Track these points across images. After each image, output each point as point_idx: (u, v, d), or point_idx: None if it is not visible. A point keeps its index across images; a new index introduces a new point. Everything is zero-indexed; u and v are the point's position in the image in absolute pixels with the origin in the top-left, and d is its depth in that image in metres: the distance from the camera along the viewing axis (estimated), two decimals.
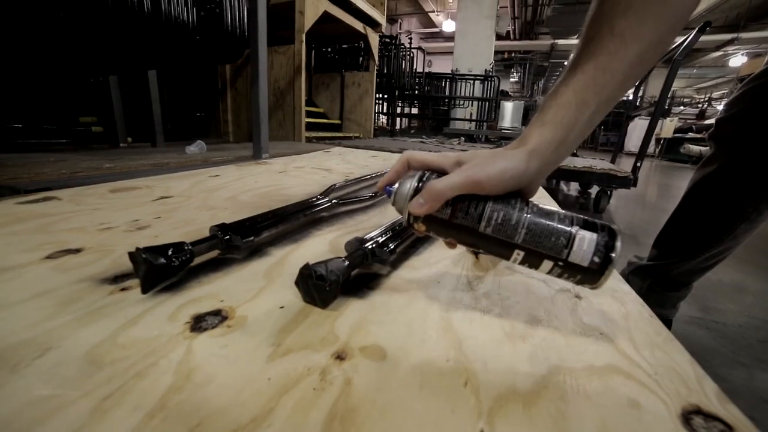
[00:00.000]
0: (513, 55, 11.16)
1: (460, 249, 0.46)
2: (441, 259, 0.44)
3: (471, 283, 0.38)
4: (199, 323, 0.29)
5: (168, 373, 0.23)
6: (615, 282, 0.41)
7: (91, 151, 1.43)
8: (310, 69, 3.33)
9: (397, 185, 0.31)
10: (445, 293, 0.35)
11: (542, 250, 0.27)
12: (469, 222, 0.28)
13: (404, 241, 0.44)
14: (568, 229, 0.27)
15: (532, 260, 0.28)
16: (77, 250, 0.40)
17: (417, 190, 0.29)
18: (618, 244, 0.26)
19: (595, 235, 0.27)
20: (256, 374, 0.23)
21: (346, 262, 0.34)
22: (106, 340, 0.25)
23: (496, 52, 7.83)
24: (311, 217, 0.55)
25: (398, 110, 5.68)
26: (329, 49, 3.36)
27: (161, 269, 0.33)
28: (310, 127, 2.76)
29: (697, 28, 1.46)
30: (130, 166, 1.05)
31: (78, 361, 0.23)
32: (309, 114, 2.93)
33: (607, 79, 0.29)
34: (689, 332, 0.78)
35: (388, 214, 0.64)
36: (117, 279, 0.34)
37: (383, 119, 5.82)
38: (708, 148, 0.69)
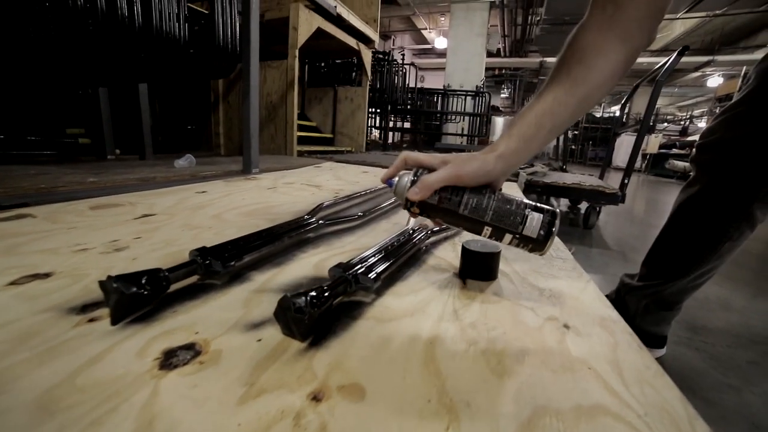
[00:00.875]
0: (503, 71, 11.41)
1: (447, 275, 0.45)
2: (427, 285, 0.43)
3: (457, 311, 0.37)
4: (169, 359, 0.27)
5: (128, 419, 0.21)
6: (604, 309, 0.40)
7: (77, 163, 1.41)
8: (303, 83, 3.36)
9: (397, 179, 0.40)
10: (430, 323, 0.34)
11: (504, 226, 0.36)
12: (452, 206, 0.37)
13: (391, 266, 0.43)
14: (523, 211, 0.36)
15: (498, 234, 0.37)
16: (46, 275, 0.39)
17: (413, 183, 0.38)
18: (557, 222, 0.36)
19: (541, 215, 0.36)
20: (226, 420, 0.22)
21: (328, 292, 0.33)
22: (65, 381, 0.24)
23: (487, 69, 8.01)
24: (296, 239, 0.54)
25: (391, 124, 5.74)
26: (323, 64, 3.39)
27: (133, 299, 0.32)
28: (302, 140, 2.76)
29: (676, 52, 1.51)
30: (115, 180, 1.03)
31: (28, 408, 0.21)
32: (302, 128, 2.94)
33: (561, 109, 0.38)
34: (679, 353, 0.77)
35: (375, 234, 0.63)
36: (86, 308, 0.33)
37: (376, 133, 5.87)
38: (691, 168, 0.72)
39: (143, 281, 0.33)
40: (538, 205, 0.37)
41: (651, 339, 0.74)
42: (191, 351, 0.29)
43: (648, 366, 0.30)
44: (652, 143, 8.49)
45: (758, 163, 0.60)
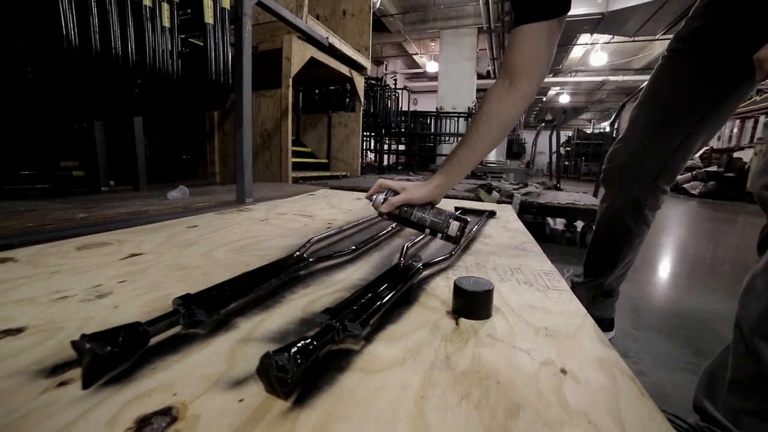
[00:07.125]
0: None
1: (439, 314, 0.44)
2: (419, 326, 0.41)
3: (449, 358, 0.35)
4: (142, 429, 0.25)
5: None
6: (602, 348, 0.39)
7: (69, 197, 1.40)
8: (298, 110, 3.42)
9: (375, 197, 0.65)
10: (420, 374, 0.33)
11: (437, 229, 0.61)
12: (406, 216, 0.63)
13: (381, 308, 0.41)
14: (447, 220, 0.61)
15: (433, 234, 0.62)
16: (19, 330, 0.37)
17: (384, 201, 0.63)
18: (466, 227, 0.61)
19: (458, 223, 0.60)
20: None
21: (313, 344, 0.31)
22: None
23: (478, 90, 8.22)
24: (285, 279, 0.53)
25: (386, 147, 5.81)
26: (316, 91, 3.47)
27: (108, 359, 0.30)
28: (298, 166, 2.78)
29: None
30: (106, 215, 1.02)
31: None
32: (297, 154, 2.96)
33: (472, 155, 0.65)
34: (687, 382, 0.75)
35: (367, 269, 0.61)
36: (57, 370, 0.31)
37: (371, 156, 5.94)
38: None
39: (120, 339, 0.31)
40: (458, 215, 0.61)
41: (602, 323, 0.91)
42: (167, 417, 0.27)
43: (652, 418, 0.28)
44: None
45: (635, 182, 0.82)
